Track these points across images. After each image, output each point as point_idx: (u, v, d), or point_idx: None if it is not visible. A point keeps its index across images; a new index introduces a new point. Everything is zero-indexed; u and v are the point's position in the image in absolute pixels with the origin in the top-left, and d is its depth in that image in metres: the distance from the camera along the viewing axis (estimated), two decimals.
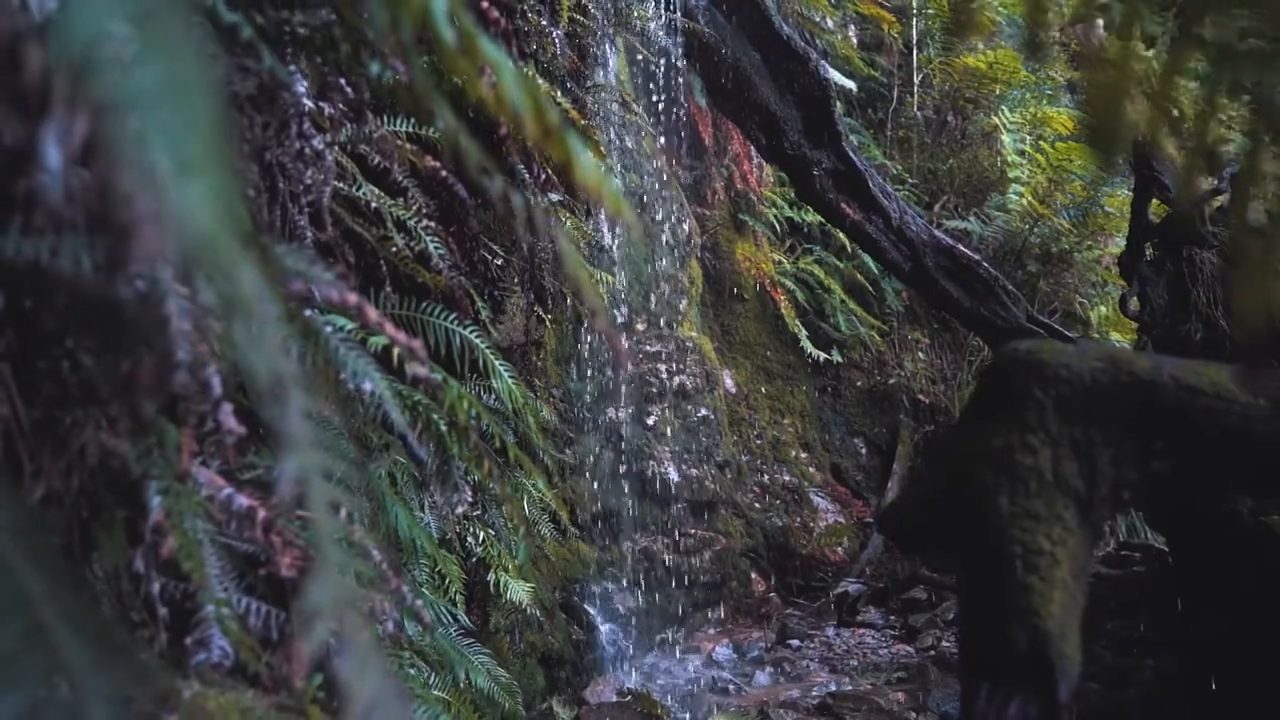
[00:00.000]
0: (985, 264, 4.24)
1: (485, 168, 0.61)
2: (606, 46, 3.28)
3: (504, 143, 1.63)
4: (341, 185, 1.42)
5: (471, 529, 2.76)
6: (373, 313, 0.68)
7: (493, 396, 2.24)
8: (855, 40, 7.64)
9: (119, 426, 0.81)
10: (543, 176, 1.83)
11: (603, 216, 3.44)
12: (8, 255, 0.60)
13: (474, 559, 2.79)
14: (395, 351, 1.13)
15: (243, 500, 0.91)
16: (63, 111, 0.32)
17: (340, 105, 1.28)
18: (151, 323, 0.74)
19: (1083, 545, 0.99)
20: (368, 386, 0.99)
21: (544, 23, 2.02)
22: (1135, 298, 3.38)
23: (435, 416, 1.33)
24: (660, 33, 3.68)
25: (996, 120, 7.36)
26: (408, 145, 1.56)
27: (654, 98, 4.43)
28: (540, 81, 1.96)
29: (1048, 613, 0.93)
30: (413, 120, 1.60)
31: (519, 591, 2.92)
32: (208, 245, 0.26)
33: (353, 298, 0.70)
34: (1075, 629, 0.95)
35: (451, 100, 0.80)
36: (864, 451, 6.59)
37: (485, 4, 1.24)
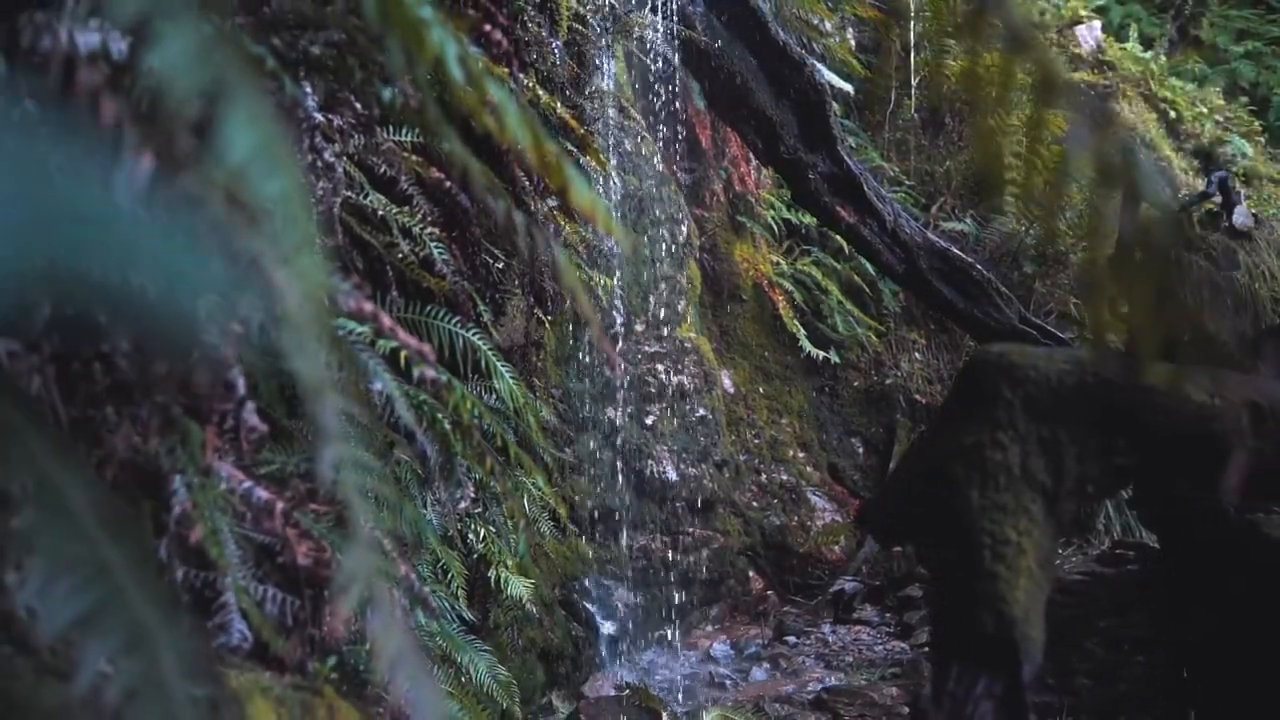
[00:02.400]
0: (979, 266, 4.31)
1: (491, 189, 0.67)
2: (605, 53, 3.35)
3: (506, 155, 1.69)
4: (350, 194, 1.48)
5: (473, 526, 2.82)
6: (387, 319, 0.75)
7: (494, 396, 2.31)
8: (853, 43, 7.70)
9: (149, 424, 0.87)
10: (543, 184, 1.90)
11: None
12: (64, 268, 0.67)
13: (475, 556, 2.86)
14: (402, 354, 1.19)
15: (262, 493, 0.97)
16: (133, 154, 0.38)
17: (349, 119, 1.34)
18: (183, 328, 0.80)
19: (1048, 536, 1.06)
20: (377, 386, 1.05)
21: (544, 33, 2.09)
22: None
23: (440, 416, 1.40)
24: (659, 39, 3.75)
25: (992, 123, 7.41)
26: (413, 157, 1.63)
27: (653, 102, 4.49)
28: (540, 93, 2.03)
29: (1013, 599, 1.00)
30: (417, 131, 1.66)
31: (519, 587, 2.98)
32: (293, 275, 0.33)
33: (368, 306, 0.77)
34: (1039, 614, 1.02)
35: (457, 115, 0.87)
36: (861, 451, 6.64)
37: (488, 27, 1.31)
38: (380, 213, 1.57)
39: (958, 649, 1.02)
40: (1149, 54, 11.28)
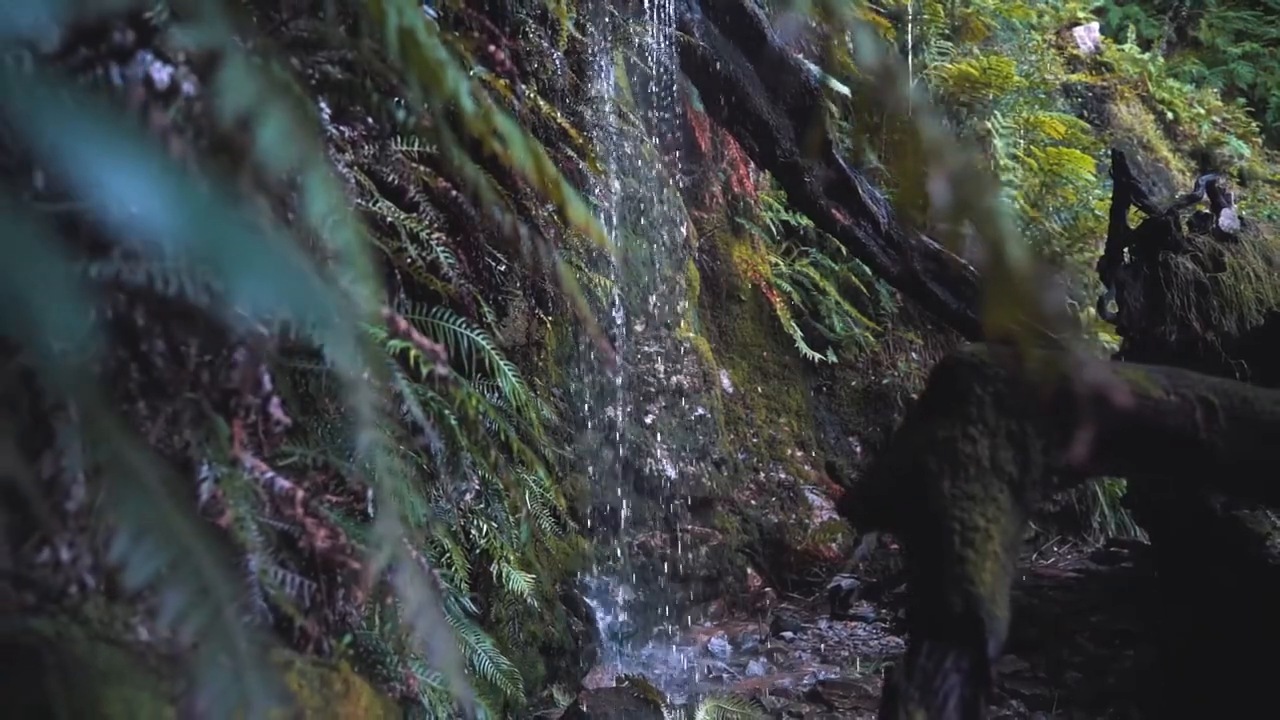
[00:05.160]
0: (971, 267, 4.38)
1: (499, 203, 0.75)
2: (605, 60, 3.42)
3: (510, 167, 1.76)
4: (360, 202, 1.56)
5: (475, 522, 2.90)
6: (402, 322, 0.82)
7: (497, 395, 2.38)
8: (851, 45, 7.75)
9: (182, 418, 0.95)
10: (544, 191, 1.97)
11: (602, 222, 3.58)
12: (108, 276, 0.74)
13: (477, 550, 2.93)
14: (412, 353, 1.27)
15: (284, 483, 1.04)
16: (195, 179, 0.46)
17: (360, 131, 1.42)
18: (213, 330, 0.88)
19: (1014, 523, 1.14)
20: (389, 384, 1.12)
21: (545, 44, 2.16)
22: (1113, 301, 3.51)
23: (447, 412, 1.47)
24: (657, 46, 3.82)
25: (990, 124, 7.48)
26: (421, 167, 1.70)
27: (652, 106, 4.57)
28: (541, 103, 2.11)
29: (980, 580, 1.08)
30: (422, 141, 1.74)
31: (520, 582, 3.05)
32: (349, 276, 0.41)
33: (385, 310, 0.84)
34: (1005, 594, 1.10)
35: (466, 134, 0.94)
36: (859, 450, 6.71)
37: (492, 47, 1.39)
38: (389, 219, 1.65)
39: (929, 627, 1.10)
40: (1147, 55, 11.34)
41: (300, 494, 1.04)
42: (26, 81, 0.26)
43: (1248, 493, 1.62)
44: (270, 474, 1.04)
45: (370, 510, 1.31)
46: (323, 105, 1.33)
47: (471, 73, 1.42)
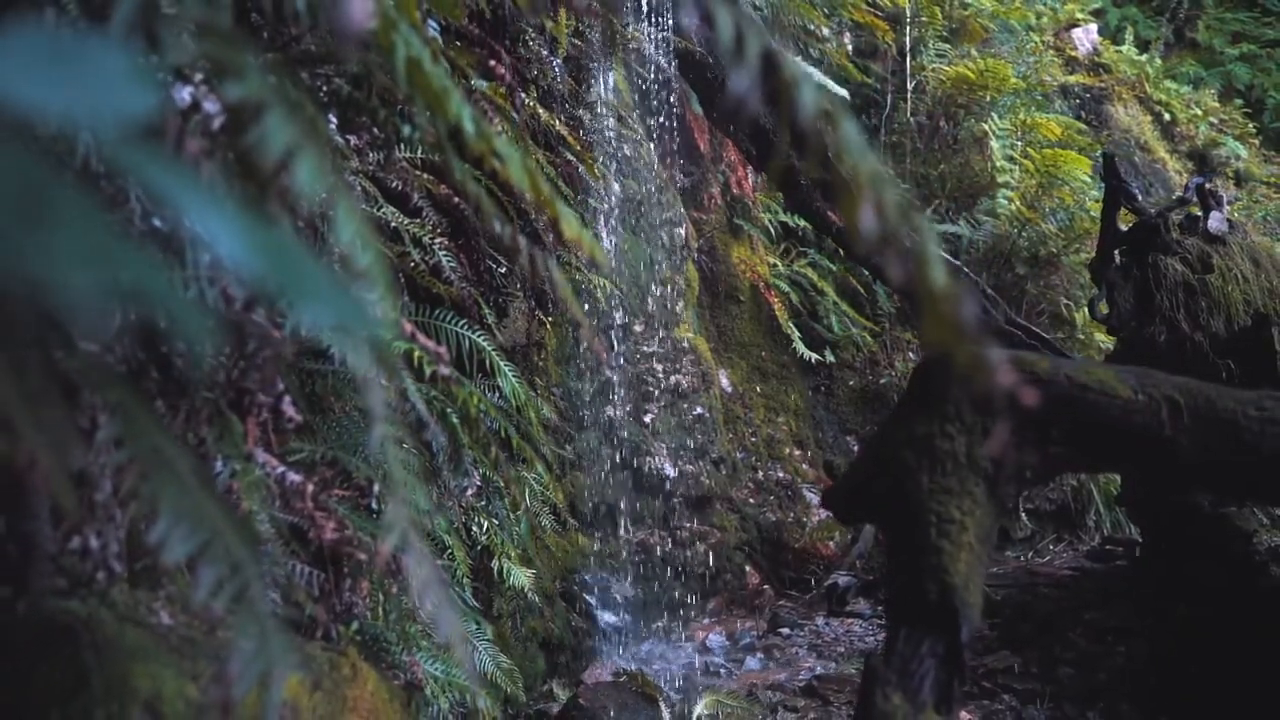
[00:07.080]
0: (965, 269, 4.43)
1: (499, 215, 0.80)
2: (603, 65, 3.48)
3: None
4: (365, 207, 1.61)
5: (476, 518, 2.95)
6: (408, 325, 0.88)
7: (498, 395, 2.44)
8: (850, 48, 7.83)
9: (200, 416, 1.00)
10: None
11: (601, 225, 3.63)
12: None
13: (478, 547, 2.99)
14: (416, 354, 1.33)
15: (294, 477, 1.10)
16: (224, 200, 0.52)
17: (365, 139, 1.48)
18: (229, 333, 0.93)
19: (989, 515, 1.19)
20: (395, 383, 1.18)
21: (544, 53, 2.22)
22: (1103, 301, 3.56)
23: (449, 411, 1.53)
24: (655, 51, 3.88)
25: (987, 126, 7.53)
26: (424, 174, 1.76)
27: (651, 109, 4.63)
28: (541, 111, 2.17)
29: (955, 570, 1.13)
30: (425, 148, 1.80)
31: (521, 578, 3.11)
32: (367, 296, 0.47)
33: (392, 314, 0.90)
34: (979, 584, 1.15)
35: (469, 151, 1.00)
36: (856, 449, 6.76)
37: (493, 63, 1.45)
38: (393, 224, 1.71)
39: (906, 614, 1.16)
40: (1145, 56, 11.38)
41: (309, 488, 1.09)
42: (131, 148, 0.32)
43: (1212, 487, 1.67)
44: (281, 469, 1.10)
45: (375, 504, 1.37)
46: (330, 117, 1.39)
47: (473, 84, 1.47)
